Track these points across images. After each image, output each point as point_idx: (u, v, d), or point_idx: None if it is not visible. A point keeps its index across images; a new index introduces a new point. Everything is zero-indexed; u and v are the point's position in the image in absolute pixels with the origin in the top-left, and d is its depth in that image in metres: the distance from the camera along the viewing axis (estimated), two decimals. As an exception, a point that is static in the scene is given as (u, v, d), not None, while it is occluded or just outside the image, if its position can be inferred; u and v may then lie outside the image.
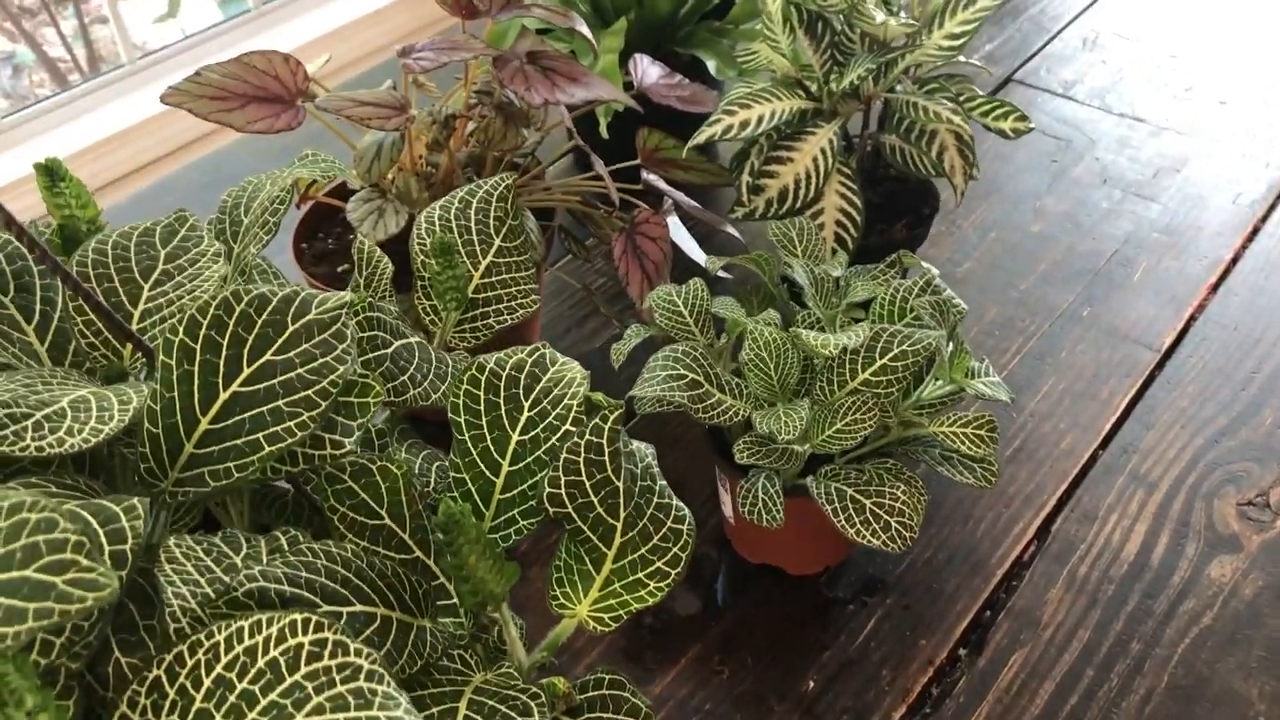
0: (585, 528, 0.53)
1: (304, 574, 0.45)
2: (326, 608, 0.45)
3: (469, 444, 0.54)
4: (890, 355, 0.71)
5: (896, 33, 0.86)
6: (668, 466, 0.93)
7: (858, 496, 0.72)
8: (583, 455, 0.52)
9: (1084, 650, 0.80)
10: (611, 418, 0.52)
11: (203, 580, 0.44)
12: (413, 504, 0.52)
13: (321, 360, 0.47)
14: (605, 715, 0.54)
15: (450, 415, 0.54)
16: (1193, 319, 1.05)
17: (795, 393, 0.73)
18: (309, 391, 0.46)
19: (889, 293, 0.76)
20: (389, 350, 0.62)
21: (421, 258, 0.71)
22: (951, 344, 0.75)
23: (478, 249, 0.73)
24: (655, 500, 0.54)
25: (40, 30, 2.53)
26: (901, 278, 0.81)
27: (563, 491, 0.52)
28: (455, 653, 0.51)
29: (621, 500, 0.53)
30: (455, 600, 0.53)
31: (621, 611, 0.54)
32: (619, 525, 0.53)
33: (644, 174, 0.95)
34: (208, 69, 0.78)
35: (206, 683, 0.39)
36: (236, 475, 0.46)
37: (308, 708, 0.39)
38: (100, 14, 2.57)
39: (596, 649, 0.81)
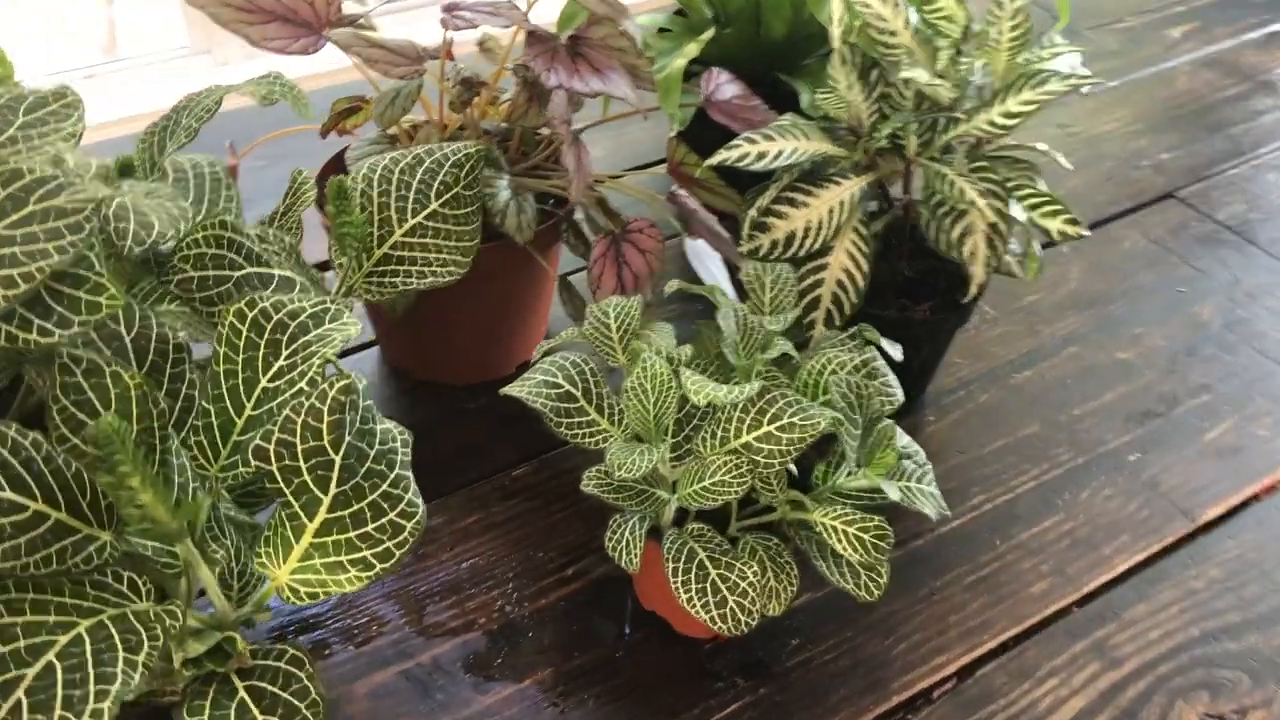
0: (288, 492, 0.50)
1: (-44, 445, 0.45)
2: (-35, 484, 0.45)
3: (221, 377, 0.53)
4: (778, 424, 0.65)
5: (944, 96, 0.78)
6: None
7: (705, 562, 0.67)
8: (301, 417, 0.50)
9: (941, 811, 0.71)
10: (338, 385, 0.50)
11: None
12: (144, 420, 0.52)
13: (41, 245, 0.47)
14: (271, 687, 0.51)
15: (213, 344, 0.53)
16: (1254, 499, 0.91)
17: (676, 435, 0.68)
18: (14, 270, 0.46)
19: (819, 363, 0.69)
20: (236, 273, 0.61)
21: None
22: (871, 436, 0.68)
23: (409, 207, 0.72)
24: (383, 488, 0.51)
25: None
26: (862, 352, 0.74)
27: (271, 447, 0.50)
28: (127, 575, 0.50)
29: (335, 475, 0.50)
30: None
31: (319, 590, 0.52)
32: (325, 500, 0.51)
33: (673, 187, 0.91)
34: (243, -20, 0.80)
35: None
36: (-76, 332, 0.46)
37: None
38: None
39: (449, 642, 0.78)
